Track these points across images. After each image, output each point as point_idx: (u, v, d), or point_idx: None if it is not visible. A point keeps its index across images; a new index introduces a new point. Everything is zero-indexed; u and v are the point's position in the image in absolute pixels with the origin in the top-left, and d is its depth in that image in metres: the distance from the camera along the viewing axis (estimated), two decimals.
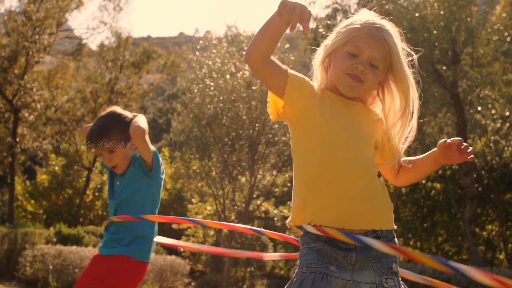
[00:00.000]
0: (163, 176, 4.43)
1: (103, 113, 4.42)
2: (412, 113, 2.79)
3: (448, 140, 2.64)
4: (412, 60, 2.81)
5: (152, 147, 4.27)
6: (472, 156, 2.62)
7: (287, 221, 2.76)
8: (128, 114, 4.37)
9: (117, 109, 4.40)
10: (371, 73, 2.70)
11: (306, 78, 2.76)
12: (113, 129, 4.25)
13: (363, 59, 2.68)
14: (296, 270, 2.65)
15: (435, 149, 2.73)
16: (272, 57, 2.62)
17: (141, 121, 4.20)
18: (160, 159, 4.38)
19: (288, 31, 2.50)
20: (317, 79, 2.86)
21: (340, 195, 2.61)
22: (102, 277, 4.14)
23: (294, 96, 2.67)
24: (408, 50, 2.81)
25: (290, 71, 2.67)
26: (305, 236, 2.68)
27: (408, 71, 2.76)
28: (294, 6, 2.42)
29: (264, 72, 2.64)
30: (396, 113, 2.79)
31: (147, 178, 4.32)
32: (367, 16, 2.79)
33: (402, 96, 2.76)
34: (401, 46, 2.76)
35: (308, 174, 2.66)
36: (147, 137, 4.17)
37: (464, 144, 2.62)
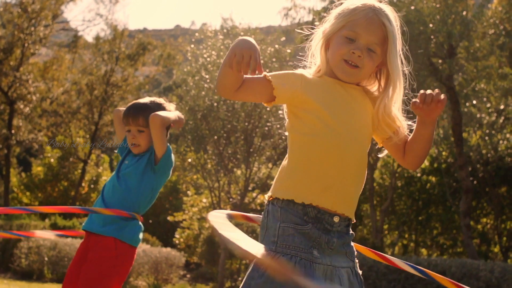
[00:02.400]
0: (166, 178, 4.52)
1: (152, 97, 4.60)
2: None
3: (415, 100, 2.60)
4: (404, 49, 2.80)
5: (167, 145, 4.34)
6: (442, 96, 2.56)
7: (268, 195, 2.72)
8: (171, 107, 4.52)
9: (163, 100, 4.54)
10: (368, 58, 2.69)
11: (289, 72, 2.75)
12: (154, 111, 4.33)
13: (360, 44, 2.68)
14: (273, 247, 2.57)
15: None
16: (244, 76, 2.64)
17: (166, 113, 4.32)
18: (173, 160, 4.45)
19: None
20: (315, 64, 2.85)
21: (339, 177, 2.62)
22: (90, 271, 4.16)
23: (287, 94, 2.68)
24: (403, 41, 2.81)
25: (269, 74, 2.66)
26: (289, 213, 2.62)
27: (399, 63, 2.73)
28: (242, 55, 2.49)
29: (239, 97, 2.71)
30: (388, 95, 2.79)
31: (151, 172, 4.38)
32: None
33: (390, 83, 2.75)
34: (398, 32, 2.74)
35: (308, 155, 2.65)
36: (163, 132, 4.27)
37: (427, 93, 2.57)
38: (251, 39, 2.56)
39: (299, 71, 2.80)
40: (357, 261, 2.71)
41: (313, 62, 2.87)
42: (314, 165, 2.63)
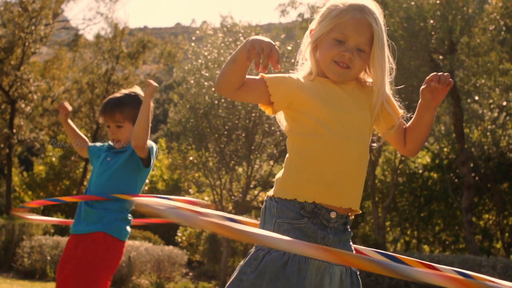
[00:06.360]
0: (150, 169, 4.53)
1: (126, 90, 4.62)
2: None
3: (428, 81, 2.66)
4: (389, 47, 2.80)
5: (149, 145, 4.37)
6: (451, 81, 2.62)
7: (269, 193, 2.72)
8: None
9: (138, 90, 4.59)
10: (358, 58, 2.71)
11: (286, 75, 2.76)
12: (129, 104, 4.42)
13: (350, 46, 2.69)
14: None
15: (420, 100, 2.73)
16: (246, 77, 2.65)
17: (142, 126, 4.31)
18: (155, 152, 4.46)
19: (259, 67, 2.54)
20: (306, 65, 2.86)
21: (341, 173, 2.63)
22: (80, 265, 4.19)
23: (282, 95, 2.69)
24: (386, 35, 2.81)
25: (266, 76, 2.65)
26: (286, 208, 2.62)
27: (386, 60, 2.75)
28: (262, 47, 2.48)
29: (238, 97, 2.70)
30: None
31: (138, 169, 4.43)
32: None
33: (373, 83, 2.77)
34: (383, 28, 2.74)
35: (308, 154, 2.65)
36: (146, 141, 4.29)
37: (439, 74, 2.63)
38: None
39: (293, 75, 2.80)
40: None
41: (301, 66, 2.87)
42: (314, 164, 2.63)
